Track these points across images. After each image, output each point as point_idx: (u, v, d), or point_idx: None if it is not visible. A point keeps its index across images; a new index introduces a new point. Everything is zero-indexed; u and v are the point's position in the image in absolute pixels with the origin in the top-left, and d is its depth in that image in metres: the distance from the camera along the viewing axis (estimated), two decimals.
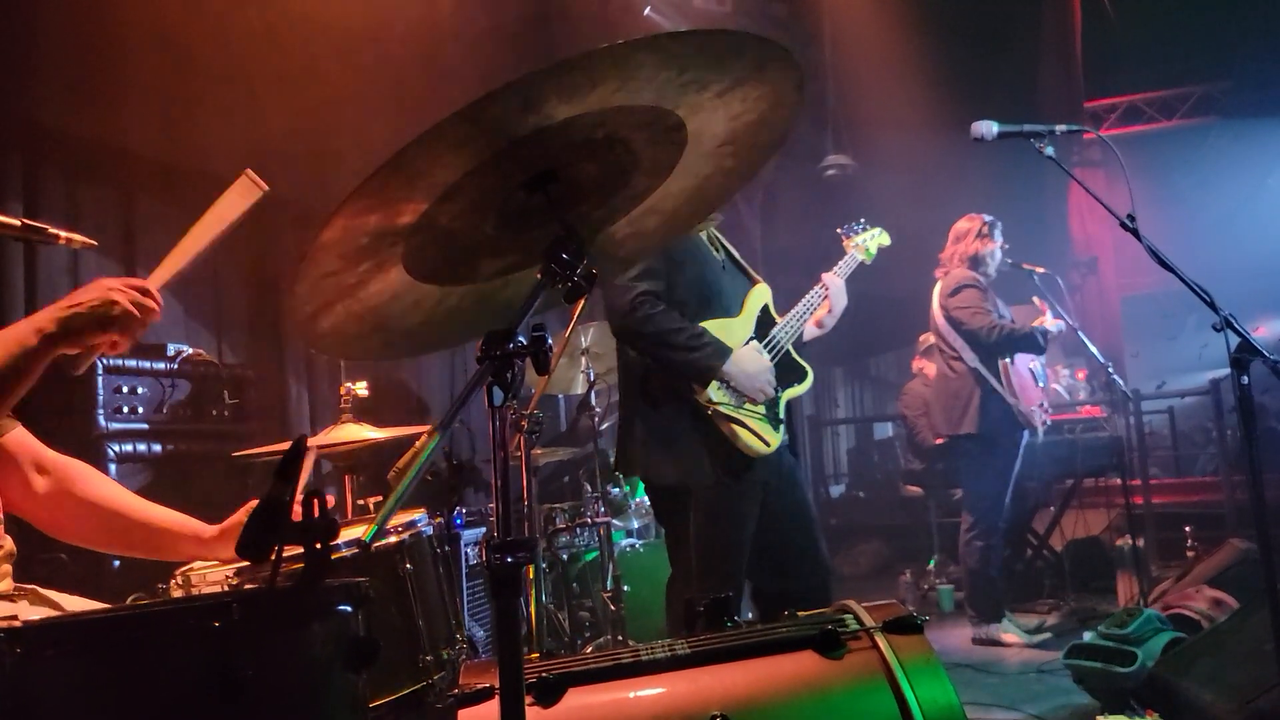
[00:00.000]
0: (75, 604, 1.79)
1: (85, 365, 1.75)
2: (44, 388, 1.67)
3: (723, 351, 2.94)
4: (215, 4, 4.13)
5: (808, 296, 3.31)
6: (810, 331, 3.35)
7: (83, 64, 3.64)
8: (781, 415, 3.08)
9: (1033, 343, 4.98)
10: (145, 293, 1.73)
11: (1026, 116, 2.96)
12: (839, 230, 3.73)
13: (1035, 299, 5.30)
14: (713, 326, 2.98)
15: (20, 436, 1.91)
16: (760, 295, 3.21)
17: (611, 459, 4.52)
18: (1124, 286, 11.62)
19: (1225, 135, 10.70)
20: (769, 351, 3.10)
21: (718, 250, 3.20)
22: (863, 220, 3.75)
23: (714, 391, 2.92)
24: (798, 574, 3.09)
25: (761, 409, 3.00)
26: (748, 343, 3.04)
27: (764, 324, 3.16)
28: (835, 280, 3.39)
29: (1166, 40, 9.92)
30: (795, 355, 3.20)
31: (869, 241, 3.65)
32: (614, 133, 1.41)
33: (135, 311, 1.70)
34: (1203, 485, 8.01)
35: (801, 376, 3.21)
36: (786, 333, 3.19)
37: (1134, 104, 11.34)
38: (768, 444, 2.96)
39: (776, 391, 3.05)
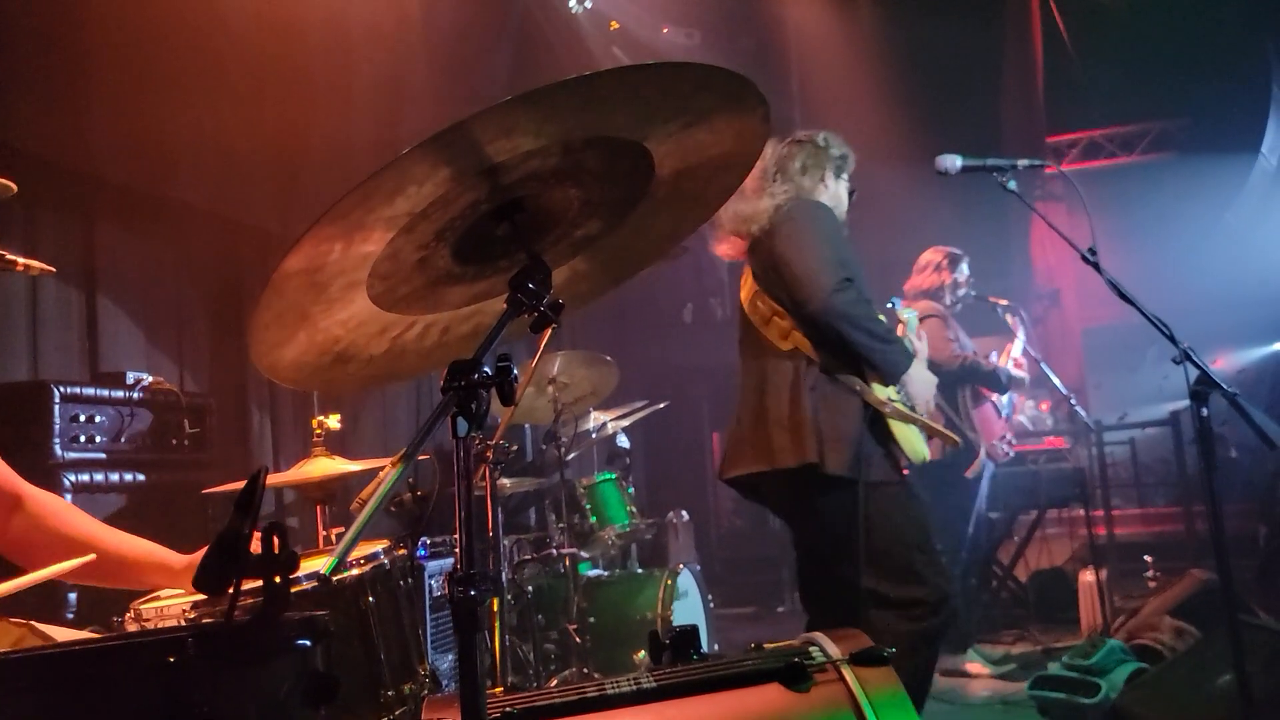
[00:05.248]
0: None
1: None
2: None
3: (910, 353, 2.89)
4: (182, 29, 4.10)
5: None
6: None
7: (45, 86, 3.59)
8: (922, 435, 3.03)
9: (994, 380, 5.06)
10: None
11: (989, 151, 2.99)
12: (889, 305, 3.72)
13: (1008, 316, 5.38)
14: None
15: None
16: (914, 316, 3.23)
17: (581, 486, 4.52)
18: (1086, 318, 11.76)
19: (1183, 171, 10.90)
20: None
21: None
22: (893, 299, 3.81)
23: (890, 391, 2.87)
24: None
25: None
26: None
27: None
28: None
29: (1126, 78, 10.13)
30: None
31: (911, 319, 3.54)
32: (580, 164, 1.42)
33: None
34: (1164, 516, 8.10)
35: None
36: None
37: (1094, 139, 11.55)
38: (922, 454, 2.93)
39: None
